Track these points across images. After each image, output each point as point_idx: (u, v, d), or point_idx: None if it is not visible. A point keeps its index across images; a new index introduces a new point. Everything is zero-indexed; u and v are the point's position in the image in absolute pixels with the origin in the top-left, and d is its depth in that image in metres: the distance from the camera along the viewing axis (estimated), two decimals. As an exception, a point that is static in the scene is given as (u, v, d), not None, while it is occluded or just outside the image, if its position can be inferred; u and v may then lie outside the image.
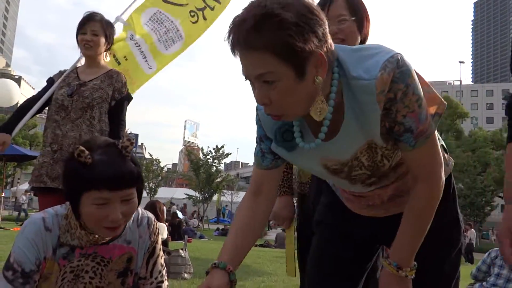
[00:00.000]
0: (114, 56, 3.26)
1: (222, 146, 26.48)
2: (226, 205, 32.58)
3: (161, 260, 1.55)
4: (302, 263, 1.87)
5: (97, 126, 2.46)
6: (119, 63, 3.27)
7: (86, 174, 1.22)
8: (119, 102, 2.53)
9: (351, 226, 1.23)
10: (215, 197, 26.82)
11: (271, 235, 17.72)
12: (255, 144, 1.17)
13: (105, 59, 2.64)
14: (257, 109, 1.12)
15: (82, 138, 2.43)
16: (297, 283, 4.58)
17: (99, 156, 1.24)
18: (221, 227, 22.46)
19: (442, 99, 1.05)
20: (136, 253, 1.47)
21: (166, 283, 1.55)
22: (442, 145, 1.15)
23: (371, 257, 1.29)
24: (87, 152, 1.23)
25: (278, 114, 0.95)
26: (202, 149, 27.67)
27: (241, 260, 1.11)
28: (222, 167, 29.49)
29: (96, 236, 1.35)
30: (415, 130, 0.95)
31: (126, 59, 3.30)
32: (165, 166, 38.31)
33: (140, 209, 1.48)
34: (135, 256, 1.47)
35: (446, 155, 1.16)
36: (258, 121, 1.12)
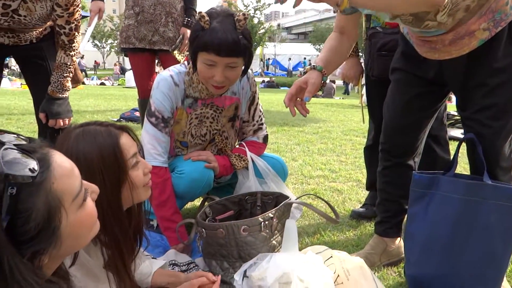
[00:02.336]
0: None
1: (262, -5, 25.34)
2: (269, 58, 32.48)
3: (260, 107, 1.84)
4: (371, 111, 2.12)
5: None
6: None
7: (201, 37, 1.44)
8: None
9: (421, 68, 1.42)
10: (258, 50, 26.72)
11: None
12: None
13: None
14: None
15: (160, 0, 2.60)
16: (351, 128, 4.98)
17: (215, 24, 1.42)
18: (266, 79, 22.88)
19: None
20: (240, 102, 1.76)
21: (265, 125, 1.87)
22: None
23: (441, 99, 1.49)
24: (207, 18, 1.42)
25: None
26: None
27: (330, 72, 1.40)
28: (262, 18, 28.58)
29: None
30: None
31: None
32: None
33: None
34: (240, 105, 1.76)
35: None
36: None
